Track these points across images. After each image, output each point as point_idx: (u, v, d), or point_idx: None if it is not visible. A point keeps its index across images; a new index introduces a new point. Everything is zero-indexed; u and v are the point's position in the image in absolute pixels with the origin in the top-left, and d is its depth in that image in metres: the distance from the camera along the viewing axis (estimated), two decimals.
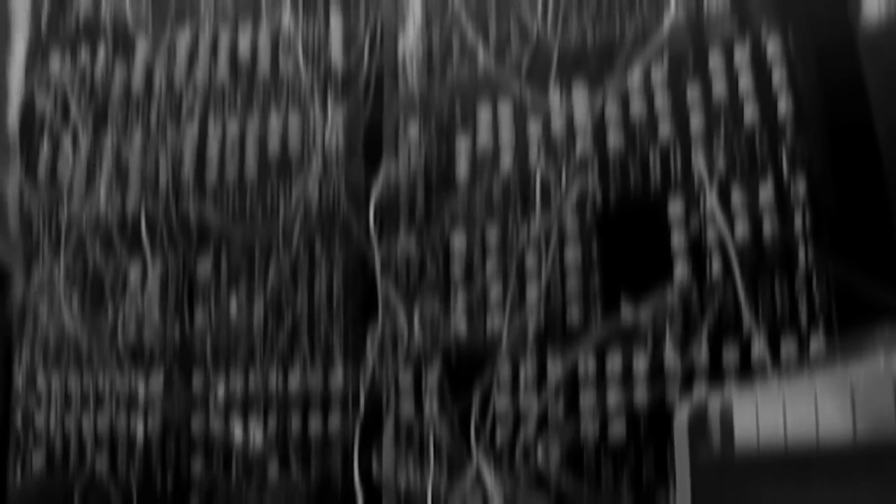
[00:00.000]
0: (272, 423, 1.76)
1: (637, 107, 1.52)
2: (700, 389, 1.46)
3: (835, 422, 0.78)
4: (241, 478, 1.76)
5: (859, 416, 0.75)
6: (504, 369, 1.58)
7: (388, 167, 1.73)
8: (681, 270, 1.48)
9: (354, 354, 1.82)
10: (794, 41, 1.50)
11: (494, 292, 1.63)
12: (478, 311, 1.66)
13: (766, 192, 1.41)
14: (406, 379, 1.73)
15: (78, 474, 1.95)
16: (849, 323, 1.46)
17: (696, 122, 1.49)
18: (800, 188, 1.39)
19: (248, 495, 1.73)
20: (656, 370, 1.47)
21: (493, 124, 1.74)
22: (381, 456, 1.68)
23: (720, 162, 1.45)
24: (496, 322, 1.62)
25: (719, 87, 1.51)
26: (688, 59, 1.56)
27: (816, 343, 1.47)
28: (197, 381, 1.90)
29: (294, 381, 1.82)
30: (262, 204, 1.91)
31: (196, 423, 1.85)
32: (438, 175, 1.71)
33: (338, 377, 1.82)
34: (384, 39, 1.99)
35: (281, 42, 2.02)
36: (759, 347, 1.44)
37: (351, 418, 1.72)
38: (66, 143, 2.16)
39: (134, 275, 1.97)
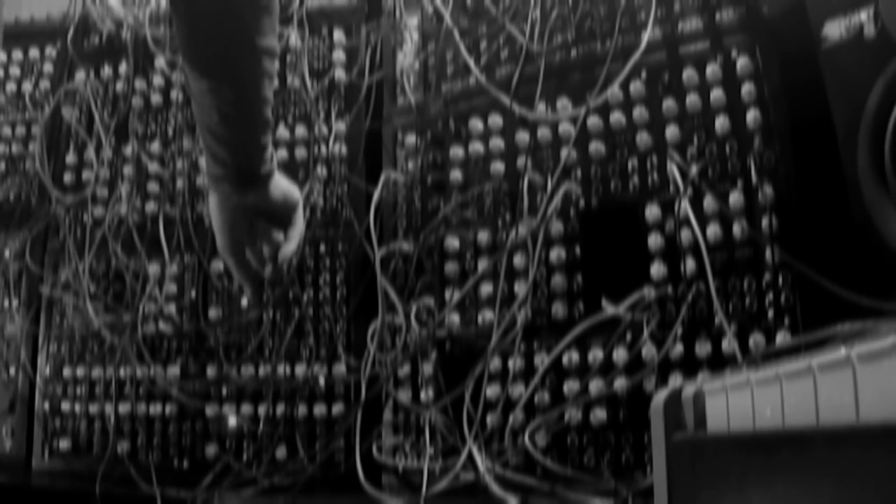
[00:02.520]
0: (280, 409, 1.76)
1: (617, 118, 1.51)
2: (675, 378, 1.45)
3: (799, 406, 0.78)
4: (251, 459, 1.76)
5: (821, 401, 0.75)
6: (494, 360, 1.58)
7: (387, 174, 1.73)
8: (657, 270, 1.48)
9: (356, 347, 1.82)
10: (761, 59, 1.49)
11: (485, 290, 1.63)
12: (470, 307, 1.66)
13: (735, 197, 1.40)
14: (404, 369, 1.73)
15: (101, 456, 1.95)
16: (812, 318, 1.45)
17: (672, 132, 1.48)
18: (767, 193, 1.38)
19: (258, 475, 1.74)
20: (634, 361, 1.46)
21: (485, 135, 1.73)
22: (380, 439, 1.68)
23: (693, 169, 1.44)
24: (487, 317, 1.62)
25: (693, 101, 1.50)
26: (664, 75, 1.56)
27: (782, 337, 1.46)
28: (211, 372, 1.90)
29: (300, 371, 1.81)
30: None
31: (210, 410, 1.85)
32: (434, 181, 1.70)
33: (341, 368, 1.82)
34: (383, 57, 1.99)
35: (288, 59, 2.02)
36: (729, 341, 1.43)
37: (353, 405, 1.72)
38: (90, 151, 2.16)
39: (153, 273, 1.96)
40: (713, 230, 1.43)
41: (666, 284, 1.49)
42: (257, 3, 1.24)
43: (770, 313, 1.40)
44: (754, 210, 1.42)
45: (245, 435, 1.85)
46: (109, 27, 2.21)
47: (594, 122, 1.57)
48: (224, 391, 1.89)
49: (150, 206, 2.02)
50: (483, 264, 1.66)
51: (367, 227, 1.78)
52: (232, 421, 1.78)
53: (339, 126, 1.87)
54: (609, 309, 1.52)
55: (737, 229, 1.42)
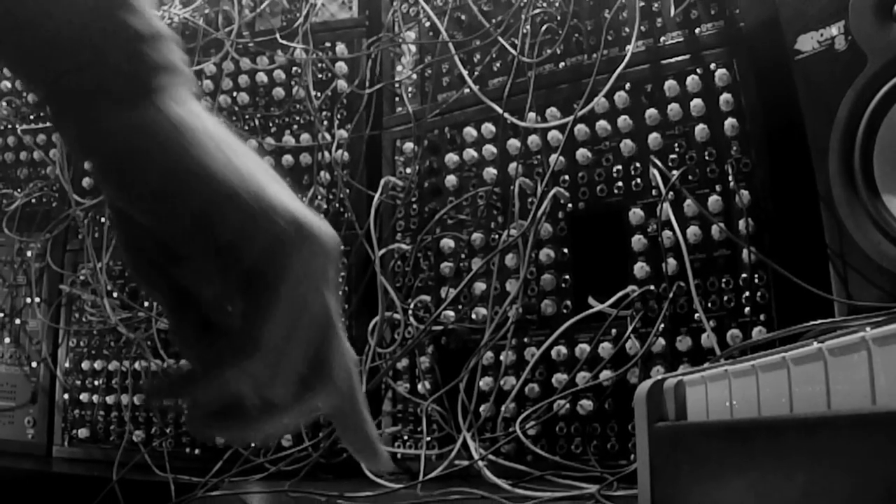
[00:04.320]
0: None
1: (602, 126, 1.51)
2: (657, 370, 1.45)
3: (774, 397, 0.78)
4: (258, 447, 1.75)
5: (795, 392, 0.75)
6: (487, 354, 1.57)
7: (386, 179, 1.73)
8: (640, 269, 1.47)
9: (357, 341, 1.81)
10: (738, 71, 1.49)
11: (479, 288, 1.62)
12: (465, 304, 1.65)
13: (714, 201, 1.40)
14: (402, 363, 1.73)
15: (118, 444, 1.95)
16: (786, 315, 1.45)
17: (654, 139, 1.47)
18: (744, 197, 1.38)
19: (264, 461, 1.74)
20: (619, 354, 1.46)
21: (478, 142, 1.73)
22: (380, 428, 1.68)
23: (674, 174, 1.44)
24: (480, 313, 1.62)
25: (674, 110, 1.49)
26: (646, 86, 1.55)
27: (758, 332, 1.46)
28: None
29: None
30: None
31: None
32: (430, 185, 1.69)
33: None
34: (383, 69, 1.98)
35: (294, 71, 2.01)
36: (708, 335, 1.43)
37: None
38: None
39: None
40: (693, 232, 1.43)
41: (649, 283, 1.49)
42: None
43: (746, 310, 1.40)
44: (732, 213, 1.43)
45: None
46: None
47: (581, 129, 1.58)
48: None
49: None
50: (477, 263, 1.66)
51: (368, 228, 1.78)
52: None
53: (342, 133, 1.87)
54: (595, 306, 1.52)
55: (715, 231, 1.42)
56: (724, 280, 1.44)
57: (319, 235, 0.60)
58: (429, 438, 1.66)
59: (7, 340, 2.16)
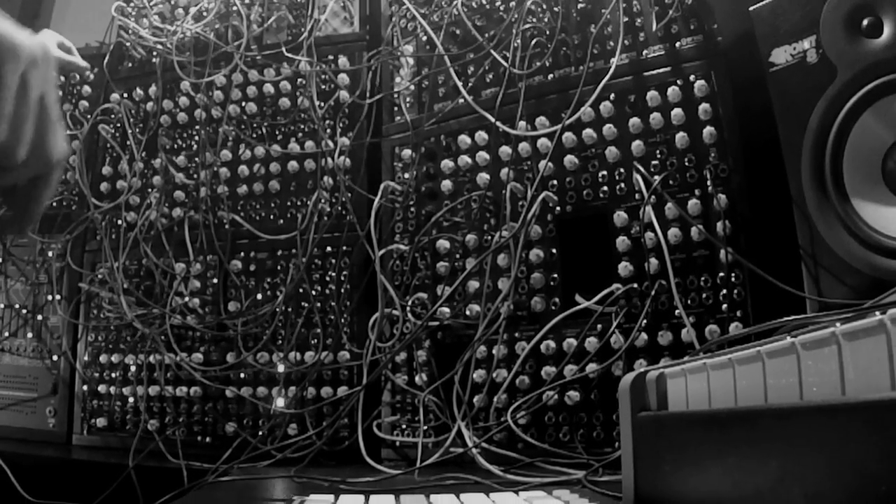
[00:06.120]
0: (291, 391, 1.75)
1: (588, 134, 1.51)
2: (640, 363, 1.45)
3: (749, 388, 0.78)
4: (265, 435, 1.75)
5: (769, 384, 0.75)
6: (481, 348, 1.57)
7: (386, 183, 1.72)
8: (624, 268, 1.47)
9: (359, 336, 1.81)
10: (716, 82, 1.49)
11: (473, 286, 1.62)
12: (459, 301, 1.65)
13: (693, 204, 1.40)
14: (400, 356, 1.73)
15: (133, 433, 1.94)
16: (761, 311, 1.45)
17: (637, 146, 1.47)
18: (721, 201, 1.38)
19: (271, 449, 1.74)
20: (604, 348, 1.45)
21: (472, 149, 1.72)
22: (380, 417, 1.67)
23: (656, 179, 1.44)
24: (474, 310, 1.61)
25: (655, 119, 1.49)
26: (630, 97, 1.55)
27: (735, 327, 1.46)
28: (231, 358, 1.89)
29: (309, 357, 1.80)
30: (283, 213, 1.90)
31: (229, 392, 1.83)
32: (427, 190, 1.69)
33: (345, 355, 1.81)
34: (383, 80, 1.98)
35: (299, 82, 2.01)
36: (688, 330, 1.43)
37: (356, 388, 1.71)
38: (124, 163, 2.15)
39: (179, 271, 1.95)
40: (674, 233, 1.44)
41: (632, 281, 1.49)
42: None
43: (724, 307, 1.40)
44: (710, 216, 1.43)
45: (261, 413, 1.86)
46: (141, 54, 2.21)
47: (568, 137, 1.58)
48: (242, 375, 1.89)
49: (177, 212, 2.02)
50: (471, 263, 1.66)
51: (368, 230, 1.79)
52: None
53: (344, 141, 1.88)
54: (582, 303, 1.52)
55: (694, 232, 1.42)
56: (702, 279, 1.44)
57: (22, 48, 0.76)
58: (426, 427, 1.66)
59: (29, 335, 2.16)
